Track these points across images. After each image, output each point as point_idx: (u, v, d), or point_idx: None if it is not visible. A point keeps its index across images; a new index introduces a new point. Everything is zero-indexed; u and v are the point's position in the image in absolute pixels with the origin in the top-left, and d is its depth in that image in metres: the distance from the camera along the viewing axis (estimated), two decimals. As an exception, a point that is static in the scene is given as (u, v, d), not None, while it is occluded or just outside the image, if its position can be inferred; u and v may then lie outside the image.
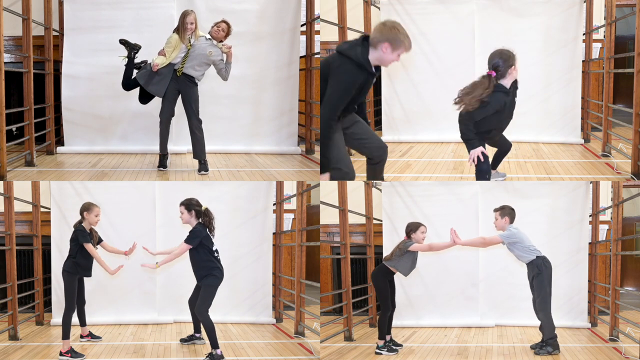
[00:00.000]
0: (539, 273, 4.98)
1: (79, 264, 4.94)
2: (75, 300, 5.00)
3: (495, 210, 5.05)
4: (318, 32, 6.35)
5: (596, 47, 7.26)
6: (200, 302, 4.77)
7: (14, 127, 5.71)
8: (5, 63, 5.07)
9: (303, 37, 6.35)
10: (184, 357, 4.95)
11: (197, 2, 6.26)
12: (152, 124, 5.77)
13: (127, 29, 5.88)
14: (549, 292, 5.01)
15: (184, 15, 5.28)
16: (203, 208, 4.81)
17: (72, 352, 4.90)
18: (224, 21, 5.46)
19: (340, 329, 5.69)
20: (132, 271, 6.00)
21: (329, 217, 6.17)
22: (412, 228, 5.14)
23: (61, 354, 4.90)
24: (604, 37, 6.36)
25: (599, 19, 7.03)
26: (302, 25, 6.31)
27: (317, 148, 6.29)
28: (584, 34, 6.80)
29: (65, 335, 4.88)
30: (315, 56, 6.35)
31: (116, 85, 5.57)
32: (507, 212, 5.00)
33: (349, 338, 5.64)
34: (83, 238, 4.89)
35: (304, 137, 6.43)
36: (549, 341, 5.02)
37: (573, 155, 6.36)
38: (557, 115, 6.84)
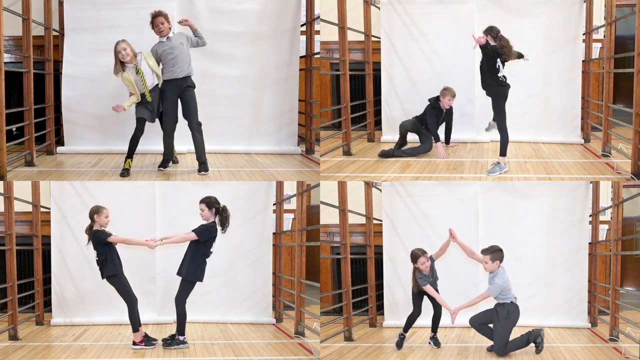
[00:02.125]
0: (507, 317, 5.03)
1: (116, 262, 5.02)
2: (133, 294, 5.09)
3: (484, 253, 5.06)
4: (318, 32, 6.44)
5: (596, 47, 7.26)
6: (179, 292, 5.05)
7: (14, 127, 5.70)
8: (5, 63, 5.09)
9: (303, 37, 6.41)
10: (183, 357, 4.95)
11: (197, 2, 6.28)
12: (152, 124, 5.77)
13: (127, 29, 5.84)
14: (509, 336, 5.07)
15: (114, 48, 5.28)
16: (221, 205, 4.94)
17: (145, 340, 5.08)
18: (156, 16, 5.34)
19: (340, 328, 5.71)
20: (132, 271, 5.99)
21: (329, 217, 6.19)
22: (413, 259, 5.27)
23: (134, 343, 5.06)
24: (604, 37, 6.36)
25: (599, 19, 7.03)
26: (302, 25, 6.37)
27: (317, 148, 6.31)
28: (584, 34, 6.81)
29: (135, 329, 5.06)
30: (315, 56, 6.43)
31: (116, 85, 5.57)
32: (497, 256, 5.05)
33: (349, 338, 5.66)
34: (104, 235, 4.97)
35: (304, 137, 6.48)
36: (530, 337, 5.05)
37: (573, 155, 6.35)
38: (557, 115, 6.86)
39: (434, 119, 6.25)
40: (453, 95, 6.25)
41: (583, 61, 6.79)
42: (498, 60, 5.48)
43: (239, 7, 6.12)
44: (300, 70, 6.46)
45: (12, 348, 5.16)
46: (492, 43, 5.46)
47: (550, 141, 6.80)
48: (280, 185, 6.16)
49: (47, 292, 6.15)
